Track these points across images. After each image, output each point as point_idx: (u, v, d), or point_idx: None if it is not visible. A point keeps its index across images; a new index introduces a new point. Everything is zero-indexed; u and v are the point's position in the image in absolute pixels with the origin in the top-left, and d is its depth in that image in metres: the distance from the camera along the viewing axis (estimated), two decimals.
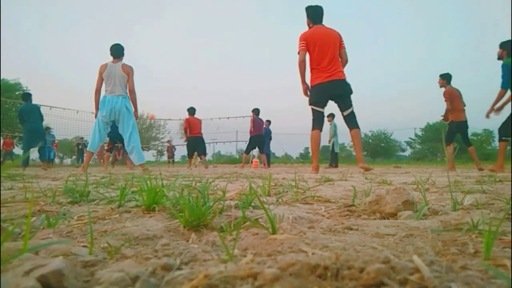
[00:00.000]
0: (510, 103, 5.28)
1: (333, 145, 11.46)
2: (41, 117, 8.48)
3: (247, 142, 11.21)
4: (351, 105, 4.83)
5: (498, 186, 2.03)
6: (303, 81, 4.98)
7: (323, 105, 4.95)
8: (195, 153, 10.86)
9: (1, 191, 1.65)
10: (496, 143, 5.52)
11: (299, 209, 1.14)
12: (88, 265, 0.51)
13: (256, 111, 10.88)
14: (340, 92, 4.82)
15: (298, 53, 4.89)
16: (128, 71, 5.44)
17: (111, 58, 5.54)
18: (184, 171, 5.95)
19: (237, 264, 0.48)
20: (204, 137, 10.93)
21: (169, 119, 23.69)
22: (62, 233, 0.77)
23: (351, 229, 0.80)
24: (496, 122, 5.46)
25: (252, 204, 1.09)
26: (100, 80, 5.45)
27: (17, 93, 26.78)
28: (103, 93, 5.52)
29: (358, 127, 4.80)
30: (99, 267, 0.51)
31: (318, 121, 4.93)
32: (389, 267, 0.44)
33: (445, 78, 6.75)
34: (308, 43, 4.83)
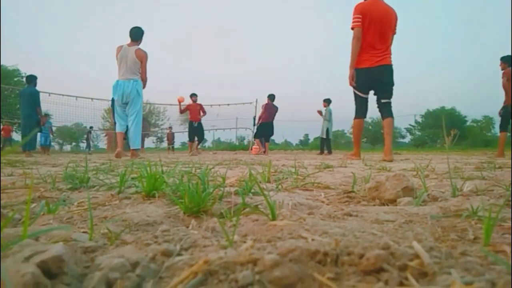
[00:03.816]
0: None
1: (327, 131, 10.96)
2: (34, 103, 7.88)
3: (255, 128, 10.71)
4: (392, 95, 4.38)
5: (497, 172, 2.03)
6: (353, 65, 4.30)
7: (368, 90, 4.42)
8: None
9: (1, 177, 1.65)
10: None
11: (298, 195, 1.14)
12: (88, 251, 0.51)
13: (271, 97, 10.16)
14: (385, 79, 4.31)
15: (352, 28, 4.19)
16: (142, 57, 5.40)
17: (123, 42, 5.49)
18: (184, 157, 5.96)
19: (237, 250, 0.48)
20: (204, 124, 10.86)
21: (170, 105, 23.43)
22: (62, 219, 0.77)
23: (350, 215, 0.80)
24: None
25: (252, 190, 1.09)
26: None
27: (15, 79, 26.59)
28: (116, 77, 5.56)
29: (392, 117, 4.32)
30: (99, 253, 0.51)
31: (362, 108, 4.45)
32: (388, 253, 0.44)
33: (507, 61, 6.33)
34: (364, 18, 4.12)
